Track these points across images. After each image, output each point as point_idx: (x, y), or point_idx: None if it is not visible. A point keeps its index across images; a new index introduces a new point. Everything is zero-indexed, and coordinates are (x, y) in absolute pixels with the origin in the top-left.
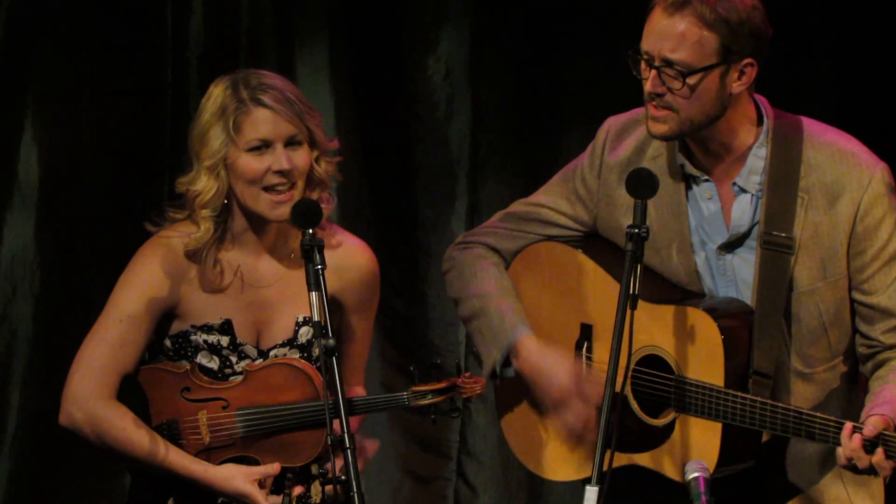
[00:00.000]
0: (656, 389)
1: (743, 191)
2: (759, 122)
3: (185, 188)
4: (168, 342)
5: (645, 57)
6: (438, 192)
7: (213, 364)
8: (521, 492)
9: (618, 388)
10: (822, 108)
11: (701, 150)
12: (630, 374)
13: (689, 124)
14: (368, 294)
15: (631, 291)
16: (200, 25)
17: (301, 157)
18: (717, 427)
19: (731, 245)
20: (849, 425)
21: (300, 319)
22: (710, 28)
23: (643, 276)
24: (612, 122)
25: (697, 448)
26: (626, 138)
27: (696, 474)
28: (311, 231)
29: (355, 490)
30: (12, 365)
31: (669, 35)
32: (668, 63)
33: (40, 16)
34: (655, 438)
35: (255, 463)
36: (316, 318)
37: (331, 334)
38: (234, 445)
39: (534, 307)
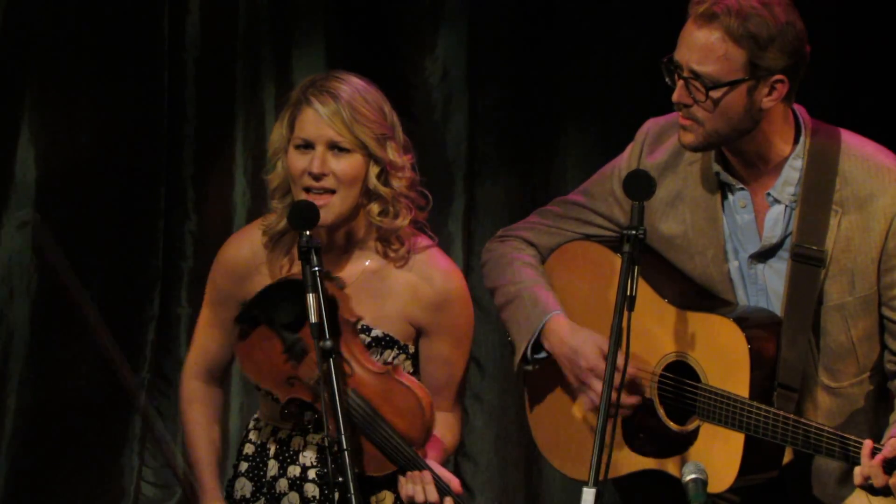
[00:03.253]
0: (682, 396)
1: (777, 202)
2: (797, 132)
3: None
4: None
5: (675, 66)
6: (435, 193)
7: None
8: (518, 493)
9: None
10: (821, 107)
11: (736, 159)
12: (657, 379)
13: (716, 136)
14: (443, 318)
15: (628, 293)
16: (197, 27)
17: (343, 165)
18: (739, 437)
19: (763, 255)
20: (868, 444)
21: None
22: (738, 43)
23: (675, 280)
24: (652, 125)
25: (719, 457)
26: (664, 141)
27: (693, 476)
28: (308, 233)
29: (352, 492)
30: (9, 366)
31: (697, 47)
32: (695, 75)
33: (37, 17)
34: (679, 445)
35: (315, 416)
36: (313, 319)
37: (328, 335)
38: (317, 401)
39: (565, 304)
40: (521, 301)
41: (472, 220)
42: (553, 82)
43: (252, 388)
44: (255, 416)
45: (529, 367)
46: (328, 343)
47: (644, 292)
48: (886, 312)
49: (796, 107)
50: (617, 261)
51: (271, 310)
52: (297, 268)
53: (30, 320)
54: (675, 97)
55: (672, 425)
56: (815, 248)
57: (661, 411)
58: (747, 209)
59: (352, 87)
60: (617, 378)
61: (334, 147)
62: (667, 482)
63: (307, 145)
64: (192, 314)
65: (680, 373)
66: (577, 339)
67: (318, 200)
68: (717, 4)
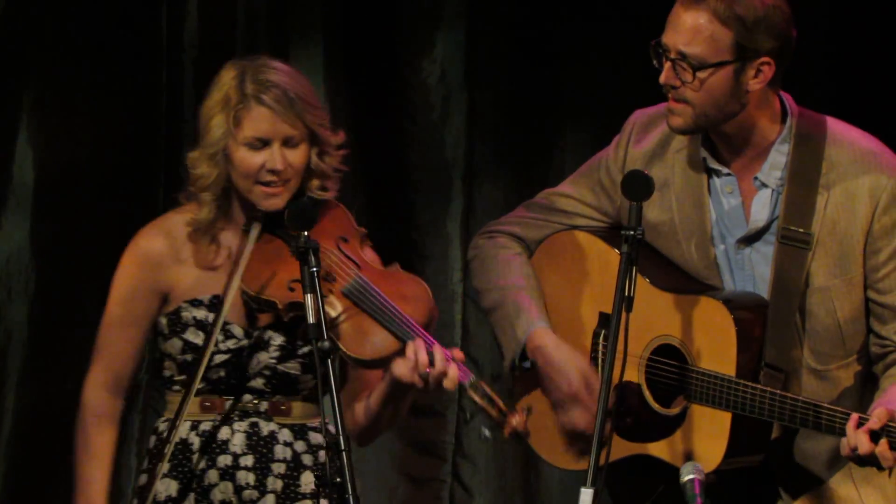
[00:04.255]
0: (669, 379)
1: (764, 185)
2: (783, 118)
3: (188, 164)
4: (164, 319)
5: (662, 49)
6: (433, 194)
7: (199, 340)
8: (516, 494)
9: (615, 385)
10: (817, 102)
11: (723, 144)
12: (644, 363)
13: (705, 118)
14: None
15: (627, 293)
16: (195, 27)
17: (297, 156)
18: (726, 417)
19: (750, 239)
20: (855, 415)
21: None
22: (725, 24)
23: (662, 266)
24: (639, 115)
25: (706, 437)
26: (651, 131)
27: (691, 476)
28: (306, 233)
29: (350, 492)
30: (7, 367)
31: (684, 28)
32: (682, 56)
33: (35, 18)
34: (667, 428)
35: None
36: (311, 320)
37: (325, 336)
38: (328, 288)
39: (555, 295)
40: (506, 309)
41: (470, 221)
42: (551, 83)
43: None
44: (163, 418)
45: (517, 373)
46: (326, 343)
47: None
48: (871, 295)
49: (783, 94)
50: (604, 249)
51: (273, 217)
52: (220, 258)
53: (28, 321)
54: (662, 79)
55: (658, 408)
56: (801, 230)
57: (648, 395)
58: (734, 194)
59: (290, 75)
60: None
61: (288, 142)
62: (651, 469)
63: (262, 143)
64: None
65: (667, 355)
66: (559, 360)
67: (276, 190)
68: None
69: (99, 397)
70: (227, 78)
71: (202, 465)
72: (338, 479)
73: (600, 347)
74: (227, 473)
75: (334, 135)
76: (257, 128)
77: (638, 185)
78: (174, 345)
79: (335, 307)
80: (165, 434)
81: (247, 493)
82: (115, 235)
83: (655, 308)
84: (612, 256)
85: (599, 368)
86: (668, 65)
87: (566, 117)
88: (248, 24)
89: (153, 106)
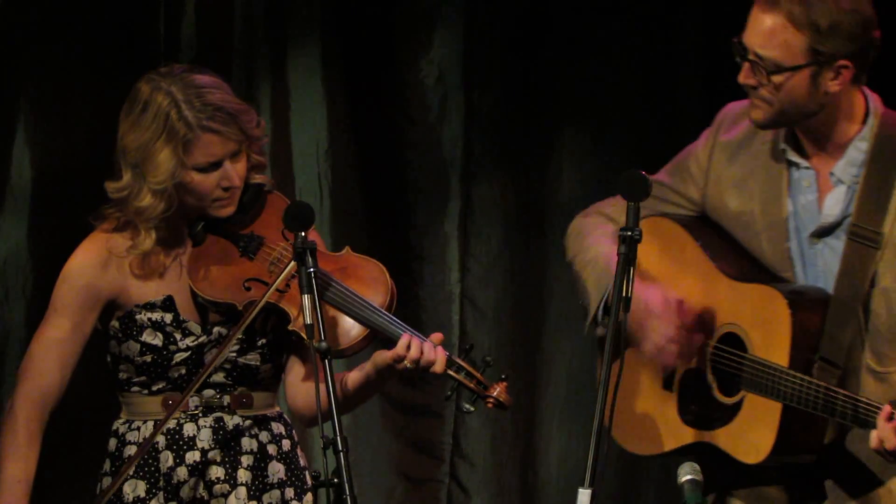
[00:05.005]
0: (730, 367)
1: (840, 181)
2: (866, 116)
3: (119, 195)
4: (116, 322)
5: (741, 48)
6: (431, 194)
7: (158, 341)
8: (514, 494)
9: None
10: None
11: (805, 138)
12: (711, 350)
13: (783, 116)
14: None
15: (624, 294)
16: (193, 29)
17: (243, 164)
18: (777, 408)
19: (822, 234)
20: (887, 407)
21: None
22: (799, 29)
23: (736, 254)
24: (732, 106)
25: (758, 428)
26: (741, 122)
27: (688, 477)
28: (303, 234)
29: (348, 493)
30: (5, 368)
31: (760, 31)
32: (759, 58)
33: (32, 19)
34: (726, 416)
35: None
36: (308, 321)
37: (323, 337)
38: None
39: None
40: (596, 265)
41: (467, 221)
42: (549, 83)
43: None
44: (121, 420)
45: (600, 331)
46: (324, 344)
47: (703, 266)
48: None
49: (869, 92)
50: (684, 237)
51: (216, 221)
52: (168, 260)
53: (25, 321)
54: (740, 78)
55: (720, 396)
56: (872, 229)
57: (712, 382)
58: (811, 188)
59: (220, 88)
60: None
61: (234, 155)
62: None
63: (215, 165)
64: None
65: (731, 344)
66: (639, 289)
67: (230, 200)
68: None
69: (30, 410)
70: (158, 106)
71: (170, 463)
72: (335, 480)
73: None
74: (196, 469)
75: (257, 127)
76: (209, 152)
77: (635, 186)
78: (131, 347)
79: (296, 301)
80: (144, 439)
81: (218, 488)
82: None
83: (724, 296)
84: (689, 244)
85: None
86: (746, 65)
87: (564, 118)
88: (246, 25)
89: None
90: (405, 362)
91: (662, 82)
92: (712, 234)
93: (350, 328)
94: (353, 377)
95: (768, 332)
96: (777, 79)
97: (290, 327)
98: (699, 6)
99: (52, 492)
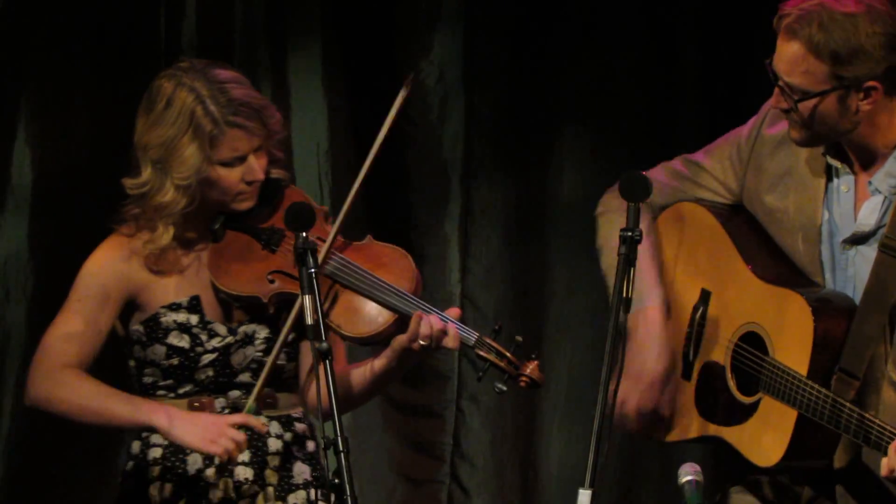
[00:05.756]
0: (749, 366)
1: (877, 191)
2: None
3: (139, 192)
4: (140, 326)
5: (773, 71)
6: (431, 194)
7: (184, 343)
8: (514, 495)
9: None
10: None
11: (846, 144)
12: (732, 346)
13: (819, 136)
14: None
15: (624, 295)
16: (193, 28)
17: (265, 159)
18: (792, 415)
19: (856, 241)
20: None
21: None
22: (819, 58)
23: (768, 252)
24: None
25: (772, 431)
26: (784, 118)
27: (689, 478)
28: (304, 234)
29: (348, 493)
30: (5, 369)
31: (783, 59)
32: (787, 85)
33: (33, 18)
34: (742, 414)
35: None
36: (310, 321)
37: (324, 337)
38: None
39: (667, 264)
40: None
41: (468, 222)
42: (549, 84)
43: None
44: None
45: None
46: (325, 345)
47: (732, 261)
48: None
49: None
50: (717, 227)
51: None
52: (189, 259)
53: (26, 322)
54: (772, 101)
55: (738, 394)
56: None
57: (731, 379)
58: (849, 194)
59: (241, 83)
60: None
61: (258, 149)
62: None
63: (240, 160)
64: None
65: (752, 343)
66: (651, 342)
67: (249, 200)
68: (800, 19)
69: (63, 358)
70: (182, 102)
71: (199, 465)
72: (336, 481)
73: (696, 324)
74: (226, 471)
75: (277, 122)
76: (235, 147)
77: (635, 186)
78: (156, 351)
79: (325, 293)
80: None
81: (246, 489)
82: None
83: (750, 295)
84: (720, 234)
85: (691, 346)
86: (777, 90)
87: (564, 118)
88: (247, 26)
89: None
90: (419, 340)
91: (663, 82)
92: (746, 228)
93: (377, 314)
94: (378, 363)
95: (790, 338)
96: (804, 105)
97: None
98: (698, 6)
99: (53, 491)
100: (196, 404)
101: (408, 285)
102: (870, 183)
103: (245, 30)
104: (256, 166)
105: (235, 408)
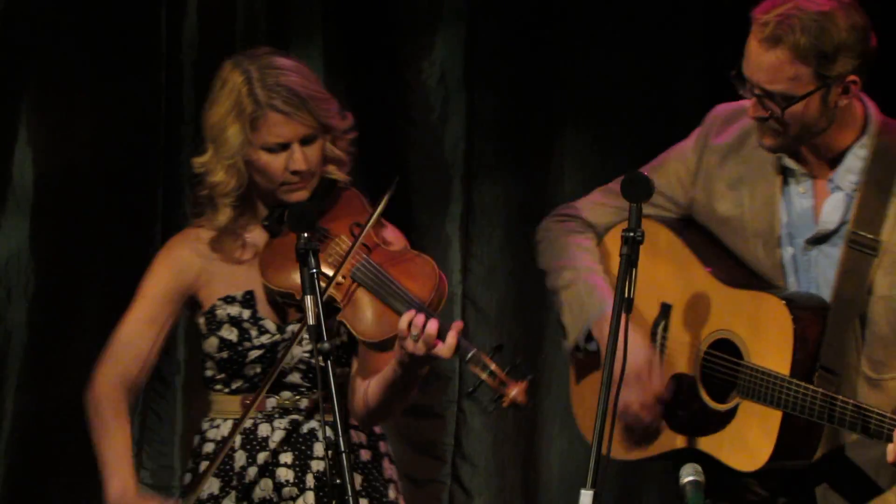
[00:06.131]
0: (723, 373)
1: (837, 188)
2: (864, 123)
3: (200, 171)
4: (201, 318)
5: (746, 83)
6: (433, 195)
7: (233, 336)
8: (515, 495)
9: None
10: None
11: (804, 147)
12: (701, 356)
13: (797, 140)
14: None
15: (627, 295)
16: (195, 28)
17: (315, 151)
18: (776, 416)
19: (818, 241)
20: None
21: None
22: (805, 61)
23: (727, 260)
24: (722, 109)
25: (755, 436)
26: (732, 124)
27: (690, 478)
28: (305, 235)
29: (350, 494)
30: (7, 369)
31: (766, 68)
32: (768, 93)
33: (35, 19)
34: (718, 423)
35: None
36: (311, 321)
37: (325, 338)
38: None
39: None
40: (577, 288)
41: (469, 223)
42: (551, 84)
43: (195, 397)
44: (209, 416)
45: (579, 354)
46: (326, 345)
47: (694, 270)
48: None
49: (866, 100)
50: (672, 239)
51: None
52: (248, 254)
53: (27, 322)
54: (750, 113)
55: (711, 403)
56: (870, 236)
57: (701, 389)
58: (807, 195)
59: (297, 72)
60: (676, 360)
61: (306, 140)
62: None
63: (281, 147)
64: (189, 316)
65: (724, 350)
66: (628, 344)
67: (301, 185)
68: (781, 25)
69: (111, 388)
70: (234, 83)
71: (242, 462)
72: (338, 481)
73: (659, 338)
74: (267, 470)
75: (344, 120)
76: (276, 133)
77: (637, 187)
78: (211, 343)
79: (344, 291)
80: (222, 437)
81: (286, 490)
82: (115, 236)
83: (717, 301)
84: (677, 246)
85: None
86: (754, 100)
87: (566, 119)
88: (248, 25)
89: (153, 106)
90: (408, 339)
91: (663, 83)
92: (701, 238)
93: (389, 320)
94: (388, 370)
95: (768, 340)
96: (791, 109)
97: (338, 317)
98: (700, 6)
99: (53, 491)
100: (248, 401)
101: (425, 295)
102: (830, 181)
103: (246, 30)
104: (300, 156)
105: (284, 410)
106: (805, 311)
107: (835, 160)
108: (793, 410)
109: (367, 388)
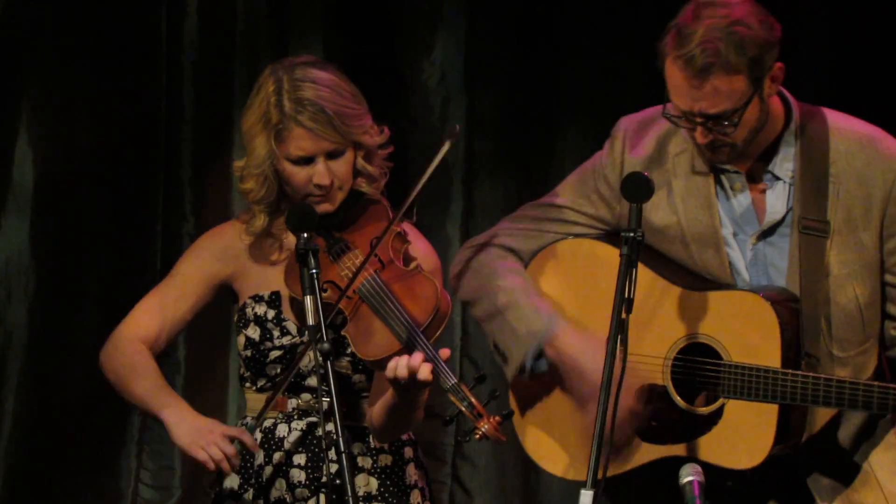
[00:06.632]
0: (701, 376)
1: (776, 178)
2: (787, 111)
3: (238, 174)
4: (235, 315)
5: (683, 116)
6: (433, 195)
7: (256, 335)
8: (515, 496)
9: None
10: (817, 99)
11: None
12: (670, 363)
13: (745, 144)
14: None
15: (627, 295)
16: (195, 29)
17: (342, 166)
18: (771, 409)
19: (765, 233)
20: None
21: None
22: (739, 73)
23: (673, 267)
24: (629, 121)
25: (751, 432)
26: (644, 135)
27: (690, 478)
28: (305, 235)
29: (350, 494)
30: (7, 369)
31: (706, 97)
32: (714, 117)
33: (35, 19)
34: (701, 427)
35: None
36: (311, 321)
37: (325, 338)
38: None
39: (558, 306)
40: (519, 309)
41: (469, 223)
42: (551, 84)
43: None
44: (244, 415)
45: (523, 377)
46: (326, 345)
47: (649, 280)
48: (889, 279)
49: (782, 90)
50: (609, 253)
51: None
52: (282, 255)
53: (27, 322)
54: (698, 139)
55: (689, 408)
56: (818, 219)
57: (675, 396)
58: (744, 191)
59: (328, 86)
60: (641, 369)
61: (332, 155)
62: (665, 477)
63: (305, 161)
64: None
65: (696, 354)
66: (585, 355)
67: (326, 203)
68: (706, 53)
69: (128, 341)
70: (266, 91)
71: (260, 461)
72: (337, 481)
73: (617, 352)
74: (281, 470)
75: (378, 135)
76: (300, 146)
77: (638, 187)
78: (239, 341)
79: (352, 307)
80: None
81: (299, 492)
82: (115, 237)
83: (680, 308)
84: (615, 259)
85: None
86: (699, 129)
87: (566, 119)
88: (248, 25)
89: (153, 107)
90: (390, 374)
91: (663, 83)
92: (643, 249)
93: (385, 341)
94: (388, 394)
95: (752, 337)
96: (735, 118)
97: (342, 332)
98: None
99: (53, 491)
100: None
101: (422, 318)
102: (767, 172)
103: (246, 30)
104: (324, 170)
105: (304, 412)
106: (782, 304)
107: (767, 152)
108: (792, 401)
109: (373, 411)
